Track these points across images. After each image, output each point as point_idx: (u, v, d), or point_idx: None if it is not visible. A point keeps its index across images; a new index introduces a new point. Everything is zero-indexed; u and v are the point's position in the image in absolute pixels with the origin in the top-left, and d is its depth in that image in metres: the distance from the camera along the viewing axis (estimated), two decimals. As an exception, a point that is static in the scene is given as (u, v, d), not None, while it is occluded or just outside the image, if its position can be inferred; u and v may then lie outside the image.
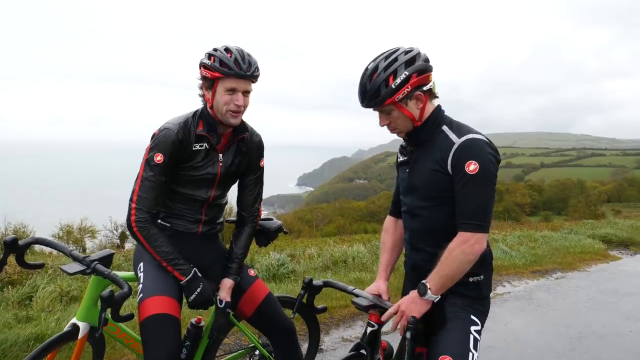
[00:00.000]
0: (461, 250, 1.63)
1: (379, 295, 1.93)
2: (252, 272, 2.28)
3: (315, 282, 1.88)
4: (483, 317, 1.81)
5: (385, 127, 1.82)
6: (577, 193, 58.38)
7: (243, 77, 1.91)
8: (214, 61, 1.90)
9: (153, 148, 1.92)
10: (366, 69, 1.75)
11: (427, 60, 1.74)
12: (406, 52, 1.72)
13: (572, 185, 65.36)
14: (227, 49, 1.94)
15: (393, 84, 1.67)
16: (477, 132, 1.71)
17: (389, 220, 2.12)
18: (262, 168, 2.22)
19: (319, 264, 6.54)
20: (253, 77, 1.95)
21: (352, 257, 6.80)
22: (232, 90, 1.92)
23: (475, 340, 1.71)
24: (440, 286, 1.67)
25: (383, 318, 1.81)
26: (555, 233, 9.92)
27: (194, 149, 1.98)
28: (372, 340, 1.84)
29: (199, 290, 1.94)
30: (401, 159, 1.94)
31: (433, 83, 1.76)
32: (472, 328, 1.73)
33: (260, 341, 2.56)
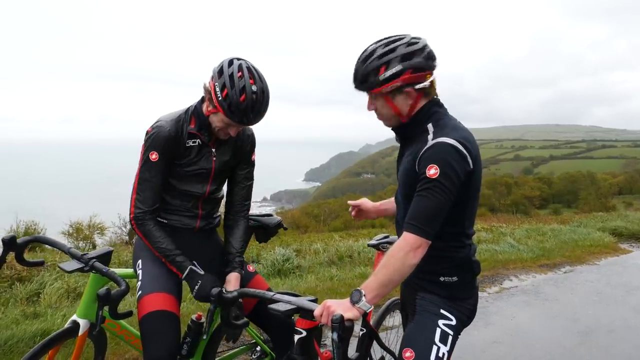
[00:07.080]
0: (404, 254, 1.53)
1: (357, 206, 2.19)
2: (251, 268, 2.27)
3: (227, 294, 1.69)
4: (460, 312, 1.73)
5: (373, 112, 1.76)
6: (587, 185, 57.62)
7: (245, 125, 1.92)
8: (225, 97, 1.80)
9: (148, 147, 1.93)
10: (365, 50, 1.68)
11: (429, 58, 1.64)
12: (408, 44, 1.62)
13: (582, 177, 64.47)
14: (242, 90, 1.79)
15: (382, 75, 1.61)
16: (455, 134, 1.58)
17: None
18: (254, 162, 2.21)
19: (325, 259, 6.53)
20: (254, 124, 1.94)
21: (358, 252, 6.77)
22: (228, 125, 1.91)
23: (444, 334, 1.66)
24: (376, 294, 1.52)
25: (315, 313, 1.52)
26: (565, 226, 9.80)
27: (187, 145, 1.98)
28: (303, 350, 1.65)
29: (197, 287, 1.92)
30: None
31: (430, 82, 1.65)
32: (441, 322, 1.68)
33: (262, 337, 2.55)
